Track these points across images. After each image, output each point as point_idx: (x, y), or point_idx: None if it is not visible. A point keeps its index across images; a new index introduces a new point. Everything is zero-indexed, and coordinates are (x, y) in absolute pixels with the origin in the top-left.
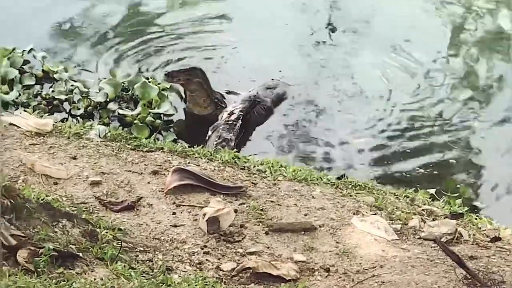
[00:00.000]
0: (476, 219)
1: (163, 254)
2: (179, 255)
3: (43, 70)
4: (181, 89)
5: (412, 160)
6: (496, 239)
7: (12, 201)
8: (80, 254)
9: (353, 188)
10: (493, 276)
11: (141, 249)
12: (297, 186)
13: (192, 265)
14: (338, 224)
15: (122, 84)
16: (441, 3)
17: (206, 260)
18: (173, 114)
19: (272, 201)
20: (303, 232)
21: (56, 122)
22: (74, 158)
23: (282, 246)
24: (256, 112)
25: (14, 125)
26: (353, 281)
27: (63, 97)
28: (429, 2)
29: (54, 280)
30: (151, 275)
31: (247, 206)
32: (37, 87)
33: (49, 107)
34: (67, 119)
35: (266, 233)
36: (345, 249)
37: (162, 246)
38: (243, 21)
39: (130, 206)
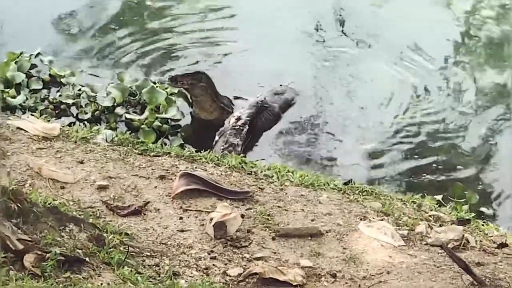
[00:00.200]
0: (483, 225)
1: (170, 259)
2: (186, 260)
3: (50, 75)
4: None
5: (419, 166)
6: (503, 245)
7: (19, 205)
8: (87, 259)
9: (360, 193)
10: (500, 282)
11: (148, 254)
12: (304, 191)
13: (199, 270)
14: (345, 230)
15: (130, 88)
16: (449, 10)
17: (213, 265)
18: (180, 119)
19: (279, 206)
20: (309, 238)
21: (63, 127)
22: (81, 162)
23: (288, 252)
24: (263, 117)
25: (21, 129)
26: (359, 287)
27: (70, 101)
28: (437, 10)
29: (60, 285)
30: (158, 280)
31: (254, 211)
32: (44, 91)
33: (56, 112)
34: (74, 123)
35: (273, 239)
36: (352, 255)
37: (169, 251)
38: (253, 27)
39: (137, 211)
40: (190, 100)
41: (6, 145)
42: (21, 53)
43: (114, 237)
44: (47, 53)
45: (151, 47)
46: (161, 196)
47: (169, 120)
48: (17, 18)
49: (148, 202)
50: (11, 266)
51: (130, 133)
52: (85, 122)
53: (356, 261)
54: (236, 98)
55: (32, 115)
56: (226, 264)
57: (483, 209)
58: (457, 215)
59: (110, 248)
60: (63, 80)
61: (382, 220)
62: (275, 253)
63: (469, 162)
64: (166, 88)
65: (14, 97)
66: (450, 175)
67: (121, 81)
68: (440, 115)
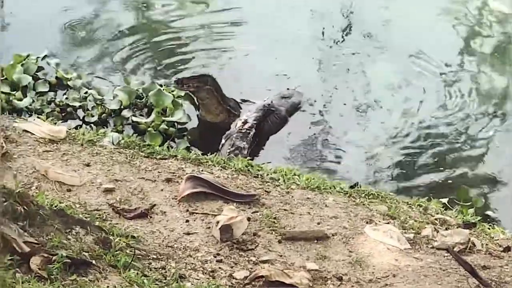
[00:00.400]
0: (489, 228)
1: (176, 262)
2: (192, 263)
3: (56, 77)
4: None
5: (425, 169)
6: (509, 249)
7: (25, 207)
8: (93, 262)
9: (366, 197)
10: (506, 286)
11: (154, 256)
12: (310, 194)
13: (205, 273)
14: (351, 233)
15: (137, 91)
16: (455, 11)
17: (219, 268)
18: (186, 122)
19: (285, 210)
20: (316, 241)
21: (69, 129)
22: (88, 165)
23: (295, 255)
24: (270, 121)
25: (27, 131)
26: None
27: (77, 104)
28: (444, 10)
29: (67, 287)
30: (164, 283)
31: (260, 214)
32: (51, 94)
33: (63, 114)
34: (80, 126)
35: (279, 242)
36: (358, 258)
37: (175, 253)
38: (259, 29)
39: (143, 214)
40: (197, 103)
41: (12, 147)
42: (27, 56)
43: (120, 239)
44: (54, 56)
45: (157, 50)
46: (168, 199)
47: (176, 123)
48: (24, 20)
49: (155, 205)
50: (17, 269)
51: (136, 136)
52: (92, 124)
53: (362, 264)
54: (243, 101)
55: (38, 117)
56: (232, 267)
57: (489, 212)
58: (463, 218)
59: (116, 251)
60: (69, 82)
61: (388, 223)
62: (281, 256)
63: (475, 165)
64: (172, 91)
65: (20, 100)
66: (456, 178)
67: (128, 84)
68: (448, 117)
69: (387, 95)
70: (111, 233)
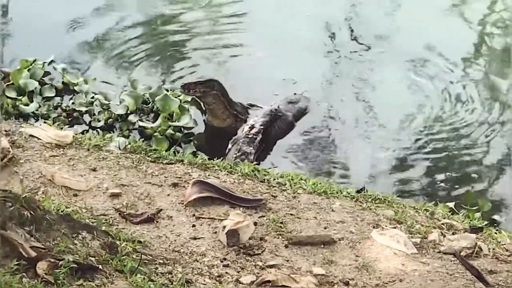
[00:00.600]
0: (495, 233)
1: (183, 266)
2: (199, 268)
3: (63, 82)
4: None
5: (431, 173)
6: None
7: (32, 212)
8: (100, 266)
9: (373, 201)
10: None
11: (161, 261)
12: (317, 199)
13: (212, 278)
14: (357, 238)
15: (143, 96)
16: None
17: (226, 273)
18: (193, 127)
19: (291, 214)
20: (322, 246)
21: (76, 134)
22: (94, 170)
23: (301, 259)
24: (276, 126)
25: (34, 136)
26: None
27: (83, 109)
28: (450, 15)
29: None
30: (171, 287)
31: (266, 219)
32: (57, 99)
33: (69, 119)
34: (87, 131)
35: (286, 246)
36: (365, 263)
37: (182, 258)
38: (265, 34)
39: (149, 218)
40: (203, 108)
41: (19, 152)
42: (34, 61)
43: (127, 244)
44: (61, 61)
45: (164, 55)
46: (174, 203)
47: (182, 128)
48: (30, 25)
49: (161, 209)
50: (24, 274)
51: (143, 141)
52: (98, 129)
53: (368, 269)
54: (250, 106)
55: (45, 122)
56: (239, 272)
57: (495, 217)
58: (469, 223)
59: (123, 256)
60: (76, 87)
61: (395, 228)
62: (287, 260)
63: (482, 170)
64: (179, 96)
65: (27, 105)
66: (462, 182)
67: (134, 89)
68: (454, 121)
69: (394, 100)
70: (117, 238)
